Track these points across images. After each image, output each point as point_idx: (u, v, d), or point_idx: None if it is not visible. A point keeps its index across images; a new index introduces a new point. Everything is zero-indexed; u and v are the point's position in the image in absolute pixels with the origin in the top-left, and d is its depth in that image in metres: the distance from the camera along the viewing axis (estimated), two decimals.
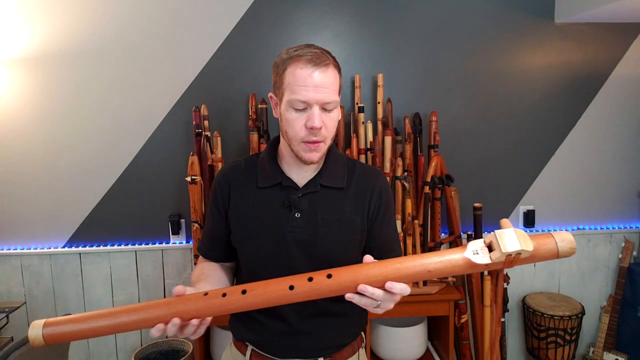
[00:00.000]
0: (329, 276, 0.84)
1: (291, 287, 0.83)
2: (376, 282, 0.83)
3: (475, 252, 0.82)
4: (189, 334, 0.88)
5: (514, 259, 0.79)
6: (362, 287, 0.84)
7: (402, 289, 0.84)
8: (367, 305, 0.87)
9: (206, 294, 0.86)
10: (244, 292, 0.84)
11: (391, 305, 0.88)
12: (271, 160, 1.13)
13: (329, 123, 1.02)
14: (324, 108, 1.01)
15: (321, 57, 0.99)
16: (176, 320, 0.84)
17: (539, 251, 0.80)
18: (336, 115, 1.04)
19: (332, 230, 1.07)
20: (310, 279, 0.84)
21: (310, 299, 0.85)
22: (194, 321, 0.85)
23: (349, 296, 0.85)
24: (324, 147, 1.05)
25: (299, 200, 1.08)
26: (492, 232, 0.83)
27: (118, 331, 0.84)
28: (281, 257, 1.07)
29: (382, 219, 1.13)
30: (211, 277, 1.11)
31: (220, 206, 1.14)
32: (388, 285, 0.82)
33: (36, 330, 0.82)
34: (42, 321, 0.84)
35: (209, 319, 0.90)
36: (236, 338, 1.20)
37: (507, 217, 2.45)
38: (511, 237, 0.79)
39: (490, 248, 0.82)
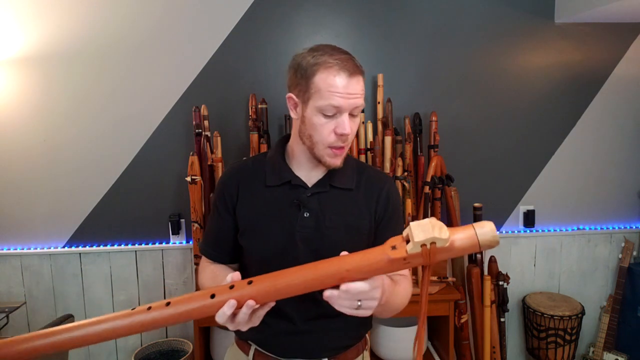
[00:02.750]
0: (250, 282, 0.82)
1: (212, 296, 0.81)
2: (300, 288, 0.80)
3: (393, 247, 0.78)
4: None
5: (431, 250, 0.75)
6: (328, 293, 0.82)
7: (357, 287, 0.81)
8: (346, 306, 0.85)
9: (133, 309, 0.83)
10: (167, 304, 0.82)
11: (374, 304, 0.86)
12: (280, 159, 1.13)
13: (354, 128, 1.04)
14: (352, 113, 1.02)
15: (352, 65, 1.00)
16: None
17: (458, 241, 0.75)
18: (359, 119, 1.08)
19: (340, 231, 1.07)
20: (231, 287, 0.82)
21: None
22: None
23: (327, 295, 0.83)
24: (347, 150, 1.08)
25: (308, 199, 1.08)
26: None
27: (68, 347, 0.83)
28: (288, 256, 1.06)
29: (386, 224, 1.13)
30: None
31: (229, 204, 1.13)
32: (343, 287, 0.80)
33: None
34: None
35: None
36: (239, 337, 1.19)
37: (507, 217, 2.50)
38: (425, 226, 0.75)
39: (408, 242, 0.78)
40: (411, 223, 0.77)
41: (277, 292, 0.81)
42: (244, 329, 0.85)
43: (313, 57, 1.01)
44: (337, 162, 1.05)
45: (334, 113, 1.00)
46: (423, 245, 0.74)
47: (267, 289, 0.81)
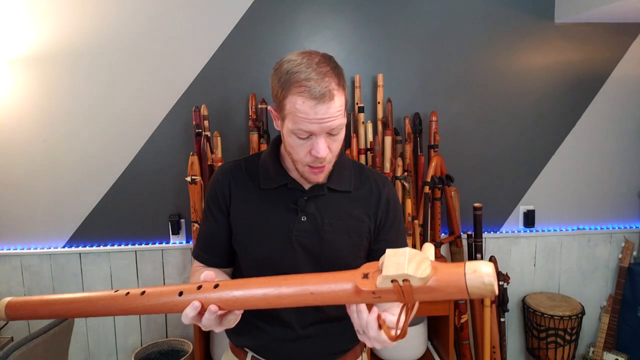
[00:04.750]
0: (216, 286, 0.77)
1: (180, 293, 0.77)
2: (262, 303, 0.73)
3: (364, 275, 0.66)
4: None
5: (405, 289, 0.62)
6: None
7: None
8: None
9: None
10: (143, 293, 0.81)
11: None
12: (274, 161, 1.08)
13: (334, 146, 0.98)
14: (331, 133, 0.95)
15: (325, 88, 0.90)
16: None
17: (438, 282, 0.61)
18: (342, 135, 0.99)
19: (339, 235, 1.05)
20: (199, 288, 0.77)
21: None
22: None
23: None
24: (329, 167, 1.02)
25: (305, 203, 1.05)
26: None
27: (78, 316, 0.87)
28: (286, 261, 1.04)
29: (389, 227, 1.11)
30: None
31: (223, 205, 1.08)
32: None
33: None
34: (6, 300, 0.87)
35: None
36: (235, 344, 1.17)
37: (507, 217, 2.50)
38: (400, 258, 0.62)
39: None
40: (388, 251, 0.65)
41: (238, 303, 0.74)
42: (217, 330, 0.81)
43: (287, 73, 0.92)
44: (318, 179, 1.02)
45: (307, 136, 0.94)
46: (394, 281, 0.62)
47: (229, 297, 0.75)
